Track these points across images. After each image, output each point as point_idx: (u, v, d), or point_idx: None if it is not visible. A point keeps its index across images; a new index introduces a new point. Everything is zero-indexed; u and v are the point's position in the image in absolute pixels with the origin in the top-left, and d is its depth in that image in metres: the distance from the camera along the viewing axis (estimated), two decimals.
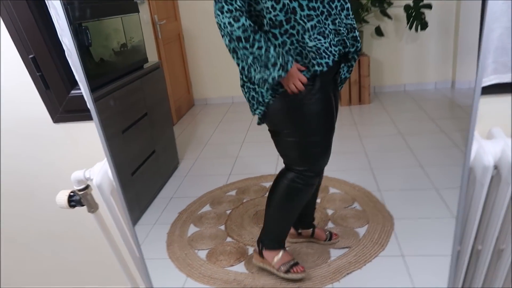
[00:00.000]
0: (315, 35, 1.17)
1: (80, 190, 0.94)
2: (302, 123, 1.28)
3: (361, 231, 1.69)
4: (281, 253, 1.47)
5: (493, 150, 0.79)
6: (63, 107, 1.09)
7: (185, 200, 2.12)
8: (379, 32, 3.40)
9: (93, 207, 0.97)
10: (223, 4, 1.11)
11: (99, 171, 0.90)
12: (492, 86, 0.87)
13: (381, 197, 1.93)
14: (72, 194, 0.94)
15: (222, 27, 1.13)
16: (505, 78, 0.84)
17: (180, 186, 2.30)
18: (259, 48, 1.14)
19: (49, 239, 1.54)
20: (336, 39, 1.22)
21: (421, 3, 3.06)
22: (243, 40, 1.13)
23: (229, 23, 1.11)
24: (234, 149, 2.85)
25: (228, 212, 1.95)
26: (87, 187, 0.95)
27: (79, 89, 1.06)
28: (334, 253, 1.58)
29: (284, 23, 1.14)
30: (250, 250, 1.64)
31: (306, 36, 1.16)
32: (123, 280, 1.28)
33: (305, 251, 1.60)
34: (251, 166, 2.47)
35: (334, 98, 1.33)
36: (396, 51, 3.63)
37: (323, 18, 1.17)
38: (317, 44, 1.18)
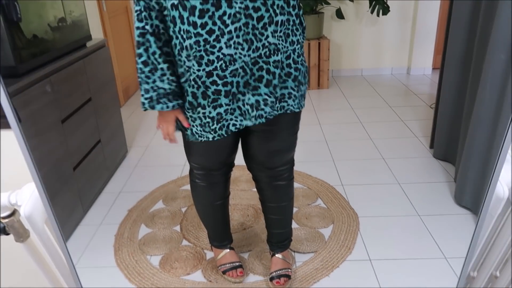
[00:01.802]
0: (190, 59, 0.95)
1: (4, 218, 0.75)
2: None
3: (326, 232, 1.61)
4: (224, 252, 1.39)
5: (507, 179, 0.70)
6: None
7: (135, 195, 1.93)
8: (339, 14, 3.29)
9: (22, 236, 0.78)
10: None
11: (30, 197, 0.71)
12: None
13: (344, 193, 1.86)
14: None
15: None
16: None
17: (129, 179, 2.09)
18: (144, 63, 0.98)
19: None
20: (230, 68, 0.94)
21: None
22: (139, 44, 0.97)
23: (136, 21, 0.95)
24: None
25: (183, 209, 1.79)
26: (13, 212, 0.76)
27: None
28: (300, 257, 1.48)
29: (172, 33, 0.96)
30: (209, 255, 1.51)
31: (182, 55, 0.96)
32: None
33: (268, 256, 1.48)
34: None
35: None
36: (355, 34, 3.55)
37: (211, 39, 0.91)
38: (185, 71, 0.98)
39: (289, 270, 1.35)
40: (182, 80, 1.01)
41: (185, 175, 2.10)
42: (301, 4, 1.02)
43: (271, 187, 1.24)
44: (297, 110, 1.09)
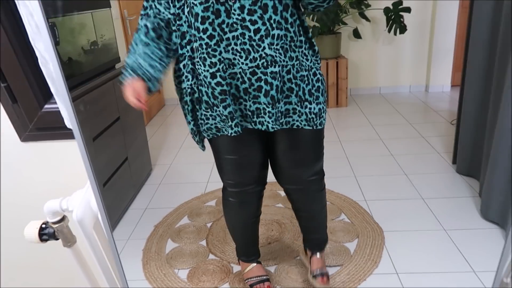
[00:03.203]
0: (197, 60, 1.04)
1: (54, 223, 0.79)
2: None
3: (351, 246, 1.61)
4: (251, 265, 1.42)
5: None
6: (34, 123, 0.92)
7: (160, 211, 1.97)
8: (356, 34, 3.35)
9: (69, 241, 0.82)
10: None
11: (80, 203, 0.76)
12: None
13: (367, 208, 1.87)
14: (44, 226, 0.79)
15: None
16: None
17: (154, 195, 2.14)
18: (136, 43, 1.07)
19: (16, 274, 1.35)
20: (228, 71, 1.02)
21: (400, 6, 3.03)
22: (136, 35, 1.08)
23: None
24: (211, 154, 2.71)
25: (208, 225, 1.82)
26: (63, 218, 0.80)
27: (54, 103, 0.90)
28: None
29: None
30: (235, 268, 1.53)
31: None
32: None
33: (294, 270, 1.49)
34: None
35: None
36: (372, 53, 3.60)
37: (212, 43, 1.00)
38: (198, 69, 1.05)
39: (326, 268, 1.41)
40: (190, 82, 1.09)
41: (208, 191, 2.14)
42: (309, 28, 1.09)
43: (301, 198, 1.29)
44: (307, 127, 1.13)
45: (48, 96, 0.94)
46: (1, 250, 1.27)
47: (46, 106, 0.94)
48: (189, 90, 1.09)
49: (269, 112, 1.06)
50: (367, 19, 3.31)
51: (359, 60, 3.70)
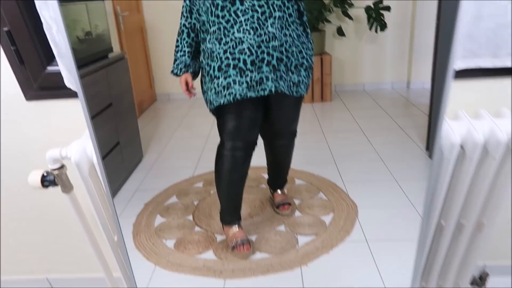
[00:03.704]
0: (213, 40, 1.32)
1: (54, 170, 0.91)
2: None
3: (327, 219, 1.74)
4: (234, 229, 1.61)
5: (459, 130, 0.85)
6: (38, 83, 1.05)
7: (150, 192, 2.09)
8: (340, 32, 3.51)
9: (67, 187, 0.94)
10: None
11: (77, 149, 0.88)
12: (459, 72, 0.93)
13: (344, 188, 2.00)
14: (45, 174, 0.90)
15: None
16: (471, 64, 0.91)
17: (145, 179, 2.26)
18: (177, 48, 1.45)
19: (17, 226, 1.48)
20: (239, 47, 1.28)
21: (380, 5, 3.19)
22: (178, 33, 1.45)
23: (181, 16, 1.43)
24: (200, 143, 2.84)
25: (195, 203, 1.94)
26: (62, 166, 0.92)
27: (56, 65, 1.03)
28: (302, 240, 1.62)
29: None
30: (219, 238, 1.65)
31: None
32: (95, 268, 1.25)
33: (273, 238, 1.62)
34: None
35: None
36: (356, 51, 3.75)
37: (228, 26, 1.28)
38: (212, 48, 1.32)
39: (289, 199, 1.84)
40: (206, 61, 1.37)
41: (196, 175, 2.26)
42: (305, 12, 1.35)
43: (282, 150, 1.67)
44: (287, 92, 1.39)
45: (50, 58, 1.07)
46: (5, 199, 1.40)
47: (49, 67, 1.07)
48: (201, 63, 1.40)
49: (271, 78, 1.31)
50: (350, 18, 3.46)
51: (343, 57, 3.85)
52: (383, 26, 3.20)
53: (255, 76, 1.30)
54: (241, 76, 1.30)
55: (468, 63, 0.90)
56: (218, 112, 1.44)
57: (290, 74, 1.36)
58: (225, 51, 1.29)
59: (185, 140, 2.90)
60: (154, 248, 1.61)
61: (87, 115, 0.79)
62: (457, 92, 0.98)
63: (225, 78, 1.31)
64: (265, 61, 1.30)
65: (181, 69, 1.45)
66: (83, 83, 1.81)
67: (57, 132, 1.18)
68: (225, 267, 1.49)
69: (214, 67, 1.32)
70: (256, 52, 1.28)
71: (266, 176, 1.92)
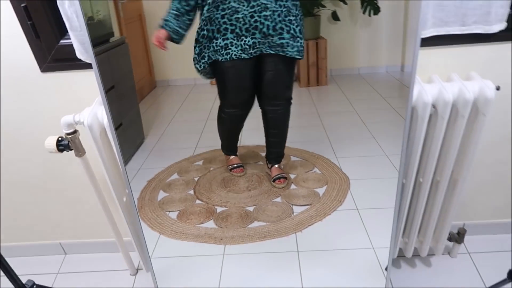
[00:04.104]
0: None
1: (68, 134, 1.00)
2: None
3: (321, 191, 1.85)
4: (232, 157, 1.99)
5: (431, 91, 0.94)
6: (52, 56, 1.13)
7: (152, 170, 2.19)
8: (335, 16, 3.57)
9: (80, 151, 1.03)
10: None
11: (89, 114, 0.97)
12: (431, 38, 1.02)
13: (338, 163, 2.10)
14: (60, 139, 1.00)
15: None
16: (441, 31, 0.99)
17: (147, 159, 2.35)
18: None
19: (30, 193, 1.58)
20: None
21: None
22: None
23: None
24: (199, 126, 2.93)
25: (196, 179, 2.04)
26: (75, 131, 1.02)
27: (68, 38, 1.11)
28: (297, 209, 1.72)
29: None
30: (219, 210, 1.75)
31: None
32: (106, 233, 1.34)
33: (270, 208, 1.72)
34: (216, 140, 2.56)
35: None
36: (351, 35, 3.81)
37: None
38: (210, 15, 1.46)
39: (285, 174, 1.94)
40: (205, 28, 1.52)
41: (196, 154, 2.36)
42: None
43: (278, 116, 1.81)
44: (297, 56, 1.61)
45: (63, 32, 1.15)
46: (20, 167, 1.50)
47: (62, 40, 1.15)
48: (199, 30, 1.54)
49: (262, 42, 1.48)
50: (345, 2, 3.53)
51: (339, 42, 3.92)
52: (376, 10, 3.26)
53: (248, 41, 1.49)
54: (237, 40, 1.48)
55: (439, 31, 0.98)
56: (216, 73, 1.63)
57: (299, 39, 1.56)
58: (222, 16, 1.45)
59: (185, 123, 2.99)
60: (158, 219, 1.71)
61: (99, 81, 0.88)
62: (431, 60, 1.07)
63: (223, 40, 1.49)
64: (258, 29, 1.47)
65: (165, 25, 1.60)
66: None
67: (70, 101, 1.28)
68: (225, 234, 1.59)
69: (213, 30, 1.49)
70: (249, 21, 1.45)
71: (263, 154, 2.02)
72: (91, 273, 1.73)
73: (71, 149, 1.02)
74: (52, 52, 1.14)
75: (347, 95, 3.43)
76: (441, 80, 0.99)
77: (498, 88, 0.94)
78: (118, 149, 0.98)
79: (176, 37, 1.61)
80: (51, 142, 1.00)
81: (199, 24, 1.55)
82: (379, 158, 2.12)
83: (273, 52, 1.55)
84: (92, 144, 1.01)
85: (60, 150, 1.01)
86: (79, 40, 0.99)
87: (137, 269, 1.69)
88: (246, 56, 1.54)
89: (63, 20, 1.02)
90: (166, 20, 1.60)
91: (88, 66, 1.28)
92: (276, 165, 1.97)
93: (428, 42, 1.02)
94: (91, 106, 1.02)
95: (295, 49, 1.59)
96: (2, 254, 1.71)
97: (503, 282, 1.24)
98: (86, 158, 1.07)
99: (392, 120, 2.68)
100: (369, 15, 3.37)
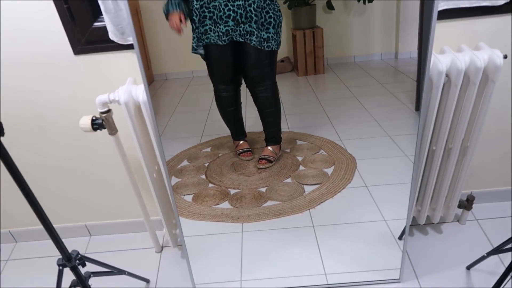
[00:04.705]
0: None
1: (103, 113, 1.05)
2: None
3: (329, 171, 1.91)
4: (240, 142, 2.03)
5: (445, 61, 1.01)
6: (85, 38, 1.17)
7: None
8: (330, 6, 3.63)
9: (113, 130, 1.08)
10: None
11: (124, 92, 1.01)
12: (440, 12, 1.08)
13: (342, 145, 2.17)
14: (94, 118, 1.04)
15: None
16: (451, 5, 1.06)
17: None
18: None
19: (58, 175, 1.63)
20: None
21: None
22: None
23: None
24: (202, 116, 2.98)
25: (206, 164, 2.09)
26: (109, 110, 1.06)
27: (101, 21, 1.16)
28: (308, 188, 1.78)
29: None
30: (232, 192, 1.81)
31: None
32: (130, 213, 1.39)
33: (282, 188, 1.79)
34: (222, 127, 2.61)
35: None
36: (346, 24, 3.88)
37: None
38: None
39: (272, 158, 1.98)
40: (192, 18, 1.61)
41: (203, 141, 2.41)
42: None
43: (261, 97, 1.90)
44: (258, 47, 1.68)
45: (97, 15, 1.20)
46: (49, 151, 1.55)
47: (95, 23, 1.20)
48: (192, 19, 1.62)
49: (234, 30, 1.59)
50: None
51: (334, 31, 3.98)
52: None
53: (222, 28, 1.61)
54: (214, 26, 1.60)
55: (449, 4, 1.05)
56: (205, 58, 1.74)
57: (260, 30, 1.66)
58: (201, 6, 1.57)
59: (188, 114, 3.03)
60: (175, 202, 1.76)
61: (139, 58, 0.93)
62: (442, 32, 1.13)
63: (203, 27, 1.61)
64: (231, 17, 1.59)
65: (178, 4, 1.62)
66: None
67: (102, 83, 1.32)
68: (241, 214, 1.65)
69: (195, 20, 1.60)
70: (223, 9, 1.57)
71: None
72: (117, 252, 1.80)
73: (105, 128, 1.07)
74: (86, 35, 1.18)
75: (345, 82, 3.50)
76: (453, 51, 1.05)
77: (505, 57, 1.01)
78: (155, 122, 1.03)
79: (186, 14, 1.67)
80: (86, 121, 1.04)
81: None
82: (382, 139, 2.19)
83: (242, 40, 1.65)
84: (128, 120, 1.05)
85: (95, 129, 1.05)
86: (113, 22, 1.03)
87: (162, 247, 1.75)
88: (220, 43, 1.66)
89: (97, 3, 1.06)
90: (171, 4, 1.65)
91: (120, 47, 1.34)
92: (269, 147, 2.04)
93: (439, 15, 1.09)
94: (124, 85, 1.07)
95: (259, 38, 1.69)
96: (31, 237, 1.75)
97: (509, 240, 1.32)
98: (118, 137, 1.12)
99: (391, 105, 2.76)
100: (364, 3, 3.44)
